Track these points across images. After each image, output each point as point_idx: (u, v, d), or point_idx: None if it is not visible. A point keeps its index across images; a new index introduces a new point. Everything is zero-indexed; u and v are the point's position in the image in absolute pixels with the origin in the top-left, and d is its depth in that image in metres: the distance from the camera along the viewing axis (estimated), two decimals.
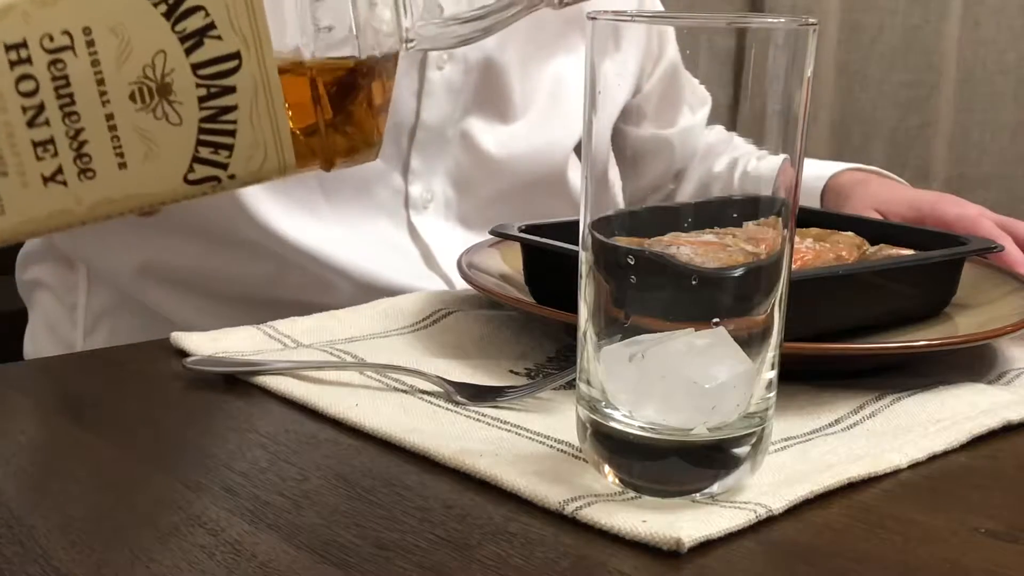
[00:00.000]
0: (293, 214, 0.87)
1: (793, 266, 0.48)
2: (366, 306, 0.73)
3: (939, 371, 0.63)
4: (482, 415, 0.57)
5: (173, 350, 0.66)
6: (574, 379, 0.49)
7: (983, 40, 2.24)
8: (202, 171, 0.37)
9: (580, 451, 0.50)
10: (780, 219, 0.47)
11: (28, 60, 0.34)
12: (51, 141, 0.34)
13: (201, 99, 0.36)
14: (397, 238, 0.93)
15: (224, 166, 0.37)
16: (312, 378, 0.61)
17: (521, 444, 0.53)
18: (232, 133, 0.36)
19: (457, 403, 0.58)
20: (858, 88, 2.13)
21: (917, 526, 0.46)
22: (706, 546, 0.44)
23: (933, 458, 0.52)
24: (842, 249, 0.70)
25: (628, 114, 1.06)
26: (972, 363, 0.66)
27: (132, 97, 0.35)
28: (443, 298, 0.75)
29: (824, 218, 0.78)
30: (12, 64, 0.34)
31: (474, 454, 0.51)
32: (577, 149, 1.01)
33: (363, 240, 0.90)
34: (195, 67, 0.35)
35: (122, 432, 0.56)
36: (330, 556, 0.43)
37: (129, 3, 0.34)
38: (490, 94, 0.94)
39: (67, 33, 0.34)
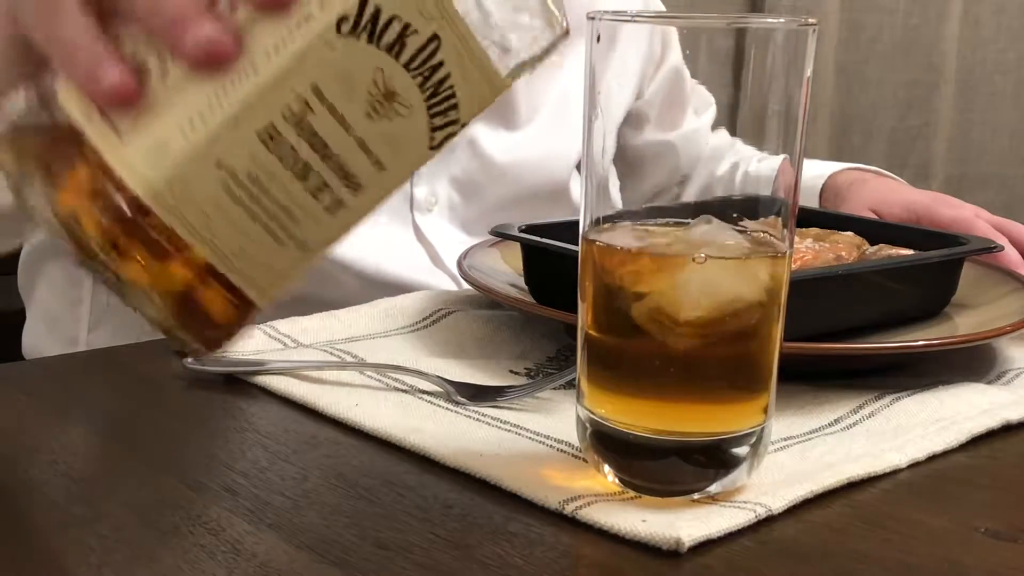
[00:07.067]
0: None
1: (793, 266, 0.48)
2: (366, 306, 0.73)
3: (939, 371, 0.63)
4: (482, 415, 0.57)
5: (173, 350, 0.66)
6: (574, 379, 0.49)
7: (983, 40, 2.24)
8: (440, 135, 0.41)
9: (580, 451, 0.50)
10: (780, 219, 0.47)
11: (280, 134, 0.39)
12: (324, 183, 0.40)
13: (420, 85, 0.40)
14: (404, 236, 0.93)
15: (456, 121, 0.41)
16: (312, 378, 0.61)
17: (521, 444, 0.53)
18: (453, 95, 0.41)
19: (457, 403, 0.58)
20: (858, 88, 2.13)
21: (917, 526, 0.46)
22: (706, 546, 0.44)
23: (933, 458, 0.52)
24: (842, 249, 0.70)
25: (630, 120, 1.06)
26: (972, 363, 0.66)
27: (368, 116, 0.39)
28: (443, 298, 0.75)
29: (824, 218, 0.78)
30: (268, 145, 0.39)
31: (474, 454, 0.51)
32: (580, 164, 1.01)
33: (369, 235, 0.90)
34: (406, 65, 0.39)
35: (122, 432, 0.56)
36: (330, 556, 0.43)
37: (340, 47, 0.38)
38: (496, 101, 0.94)
39: (301, 99, 0.38)
